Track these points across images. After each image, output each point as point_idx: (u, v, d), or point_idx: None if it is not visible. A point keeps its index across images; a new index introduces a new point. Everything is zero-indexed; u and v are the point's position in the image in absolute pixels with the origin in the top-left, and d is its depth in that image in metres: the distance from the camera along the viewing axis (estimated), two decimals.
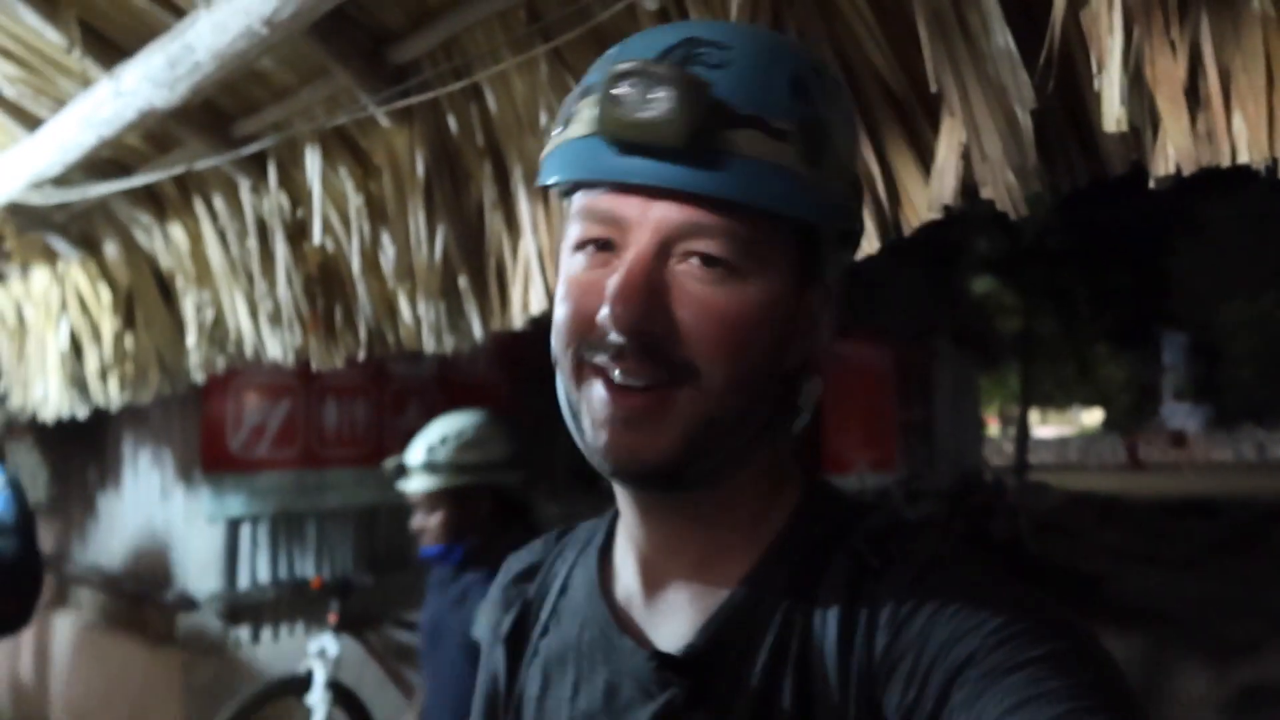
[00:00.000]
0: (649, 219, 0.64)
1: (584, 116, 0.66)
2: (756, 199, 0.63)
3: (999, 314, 17.77)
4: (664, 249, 0.64)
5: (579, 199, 0.68)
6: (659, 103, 0.62)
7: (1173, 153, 1.21)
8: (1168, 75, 1.17)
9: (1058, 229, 18.20)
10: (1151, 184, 1.22)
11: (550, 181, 0.69)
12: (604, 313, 0.64)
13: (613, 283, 0.64)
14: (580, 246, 0.68)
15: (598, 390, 0.66)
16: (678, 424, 0.65)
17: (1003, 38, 1.26)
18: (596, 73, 0.69)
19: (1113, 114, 1.18)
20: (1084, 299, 21.57)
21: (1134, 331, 27.30)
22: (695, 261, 0.64)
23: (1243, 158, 1.19)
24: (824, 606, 0.68)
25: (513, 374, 6.06)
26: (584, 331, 0.66)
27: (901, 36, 1.45)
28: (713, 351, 0.64)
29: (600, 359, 0.66)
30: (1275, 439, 23.79)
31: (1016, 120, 1.30)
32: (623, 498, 0.76)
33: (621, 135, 0.63)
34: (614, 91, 0.63)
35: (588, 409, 0.67)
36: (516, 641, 0.85)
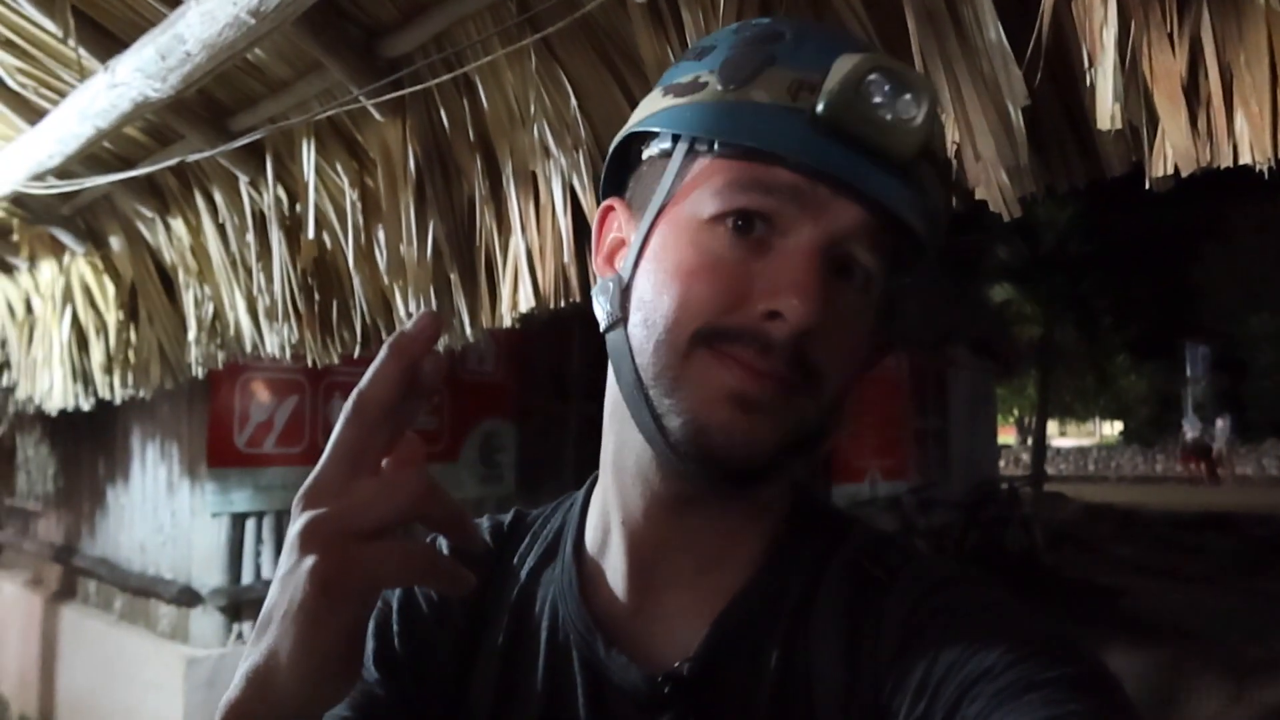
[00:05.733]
0: (835, 215, 0.61)
1: (778, 84, 0.61)
2: (923, 230, 0.62)
3: (1017, 322, 17.55)
4: (831, 249, 0.61)
5: (734, 166, 0.62)
6: (909, 109, 0.60)
7: (1171, 153, 1.16)
8: (1166, 71, 1.12)
9: (1079, 235, 17.90)
10: (1148, 185, 1.17)
11: (736, 144, 0.62)
12: (769, 308, 0.59)
13: (795, 280, 0.59)
14: (721, 218, 0.62)
15: (718, 367, 0.61)
16: (788, 422, 0.62)
17: (995, 31, 1.22)
18: (793, 51, 0.62)
19: (1106, 111, 1.13)
20: (1105, 309, 21.29)
21: (1156, 343, 27.01)
22: (841, 270, 0.63)
23: (1244, 158, 1.14)
24: (826, 616, 0.66)
25: (511, 373, 6.01)
26: (719, 314, 0.61)
27: (892, 31, 1.40)
28: (839, 362, 0.63)
29: (736, 350, 0.60)
30: None
31: (1009, 118, 1.25)
32: (644, 490, 0.68)
33: (853, 129, 0.59)
34: (871, 79, 0.59)
35: (696, 384, 0.61)
36: (466, 647, 0.75)
